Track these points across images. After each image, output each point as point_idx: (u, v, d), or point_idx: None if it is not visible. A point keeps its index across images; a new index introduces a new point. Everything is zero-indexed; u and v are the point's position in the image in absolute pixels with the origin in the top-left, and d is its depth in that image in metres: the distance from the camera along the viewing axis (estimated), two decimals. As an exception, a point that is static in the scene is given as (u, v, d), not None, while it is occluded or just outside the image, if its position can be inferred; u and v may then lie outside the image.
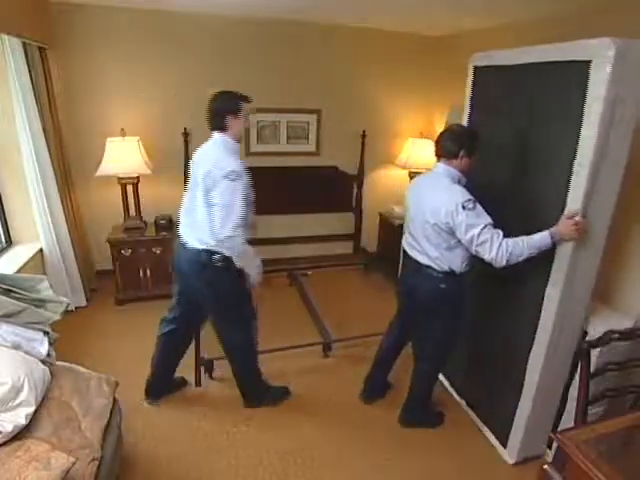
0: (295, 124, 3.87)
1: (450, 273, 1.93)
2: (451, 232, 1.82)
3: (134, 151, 3.21)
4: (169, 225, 3.55)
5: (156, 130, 3.52)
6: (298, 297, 3.64)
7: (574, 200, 1.66)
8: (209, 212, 1.90)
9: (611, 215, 1.72)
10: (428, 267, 1.96)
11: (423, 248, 1.96)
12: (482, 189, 2.11)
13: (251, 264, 2.04)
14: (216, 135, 2.01)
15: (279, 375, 2.67)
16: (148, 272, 3.41)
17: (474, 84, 2.24)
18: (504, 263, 1.72)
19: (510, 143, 1.99)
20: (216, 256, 1.97)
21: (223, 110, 1.96)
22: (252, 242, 3.99)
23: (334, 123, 3.96)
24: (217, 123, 1.98)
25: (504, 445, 2.16)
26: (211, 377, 2.61)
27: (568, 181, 1.66)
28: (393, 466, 2.10)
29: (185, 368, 2.67)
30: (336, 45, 3.74)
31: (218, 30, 3.43)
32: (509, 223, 1.78)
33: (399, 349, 2.38)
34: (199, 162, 2.02)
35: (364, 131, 4.02)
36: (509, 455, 2.13)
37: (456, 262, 1.91)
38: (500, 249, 1.70)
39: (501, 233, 1.73)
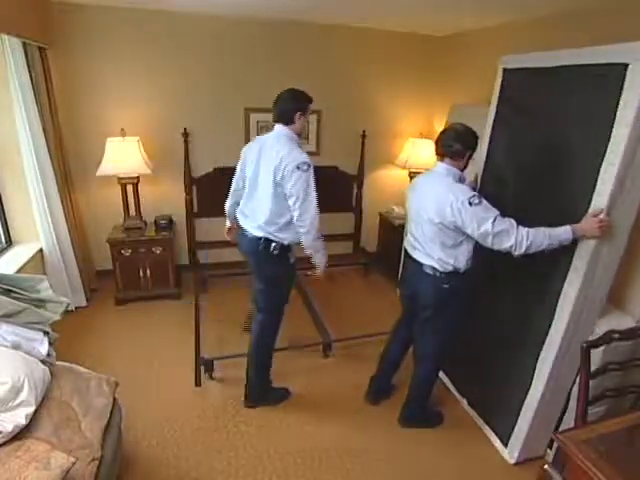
0: (295, 124, 3.86)
1: (453, 272, 1.93)
2: (457, 230, 1.81)
3: (134, 151, 3.21)
4: (169, 225, 3.55)
5: (156, 130, 3.52)
6: (298, 297, 3.64)
7: (600, 198, 1.65)
8: (277, 202, 2.06)
9: (635, 215, 1.72)
10: (431, 267, 1.95)
11: (426, 249, 1.95)
12: (507, 188, 2.14)
13: (322, 252, 2.18)
14: (279, 128, 2.12)
15: (279, 375, 2.67)
16: (148, 272, 3.41)
17: (502, 86, 2.23)
18: (523, 250, 1.70)
19: (537, 143, 1.99)
20: (274, 244, 2.11)
21: (294, 108, 2.11)
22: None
23: (334, 123, 3.96)
24: (285, 118, 2.11)
25: (505, 445, 2.16)
26: (211, 377, 2.61)
27: (595, 180, 1.66)
28: (393, 466, 2.10)
29: (185, 368, 2.68)
30: (336, 45, 3.74)
31: (218, 30, 3.43)
32: (534, 221, 1.76)
33: (405, 350, 2.38)
34: (262, 153, 2.11)
35: (364, 131, 4.02)
36: (510, 455, 2.13)
37: (461, 260, 1.91)
38: (519, 234, 1.69)
39: (514, 221, 1.73)
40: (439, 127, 3.91)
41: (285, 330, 3.13)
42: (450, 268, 1.92)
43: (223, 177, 3.79)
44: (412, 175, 3.99)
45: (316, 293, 3.62)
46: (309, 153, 3.91)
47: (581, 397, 1.63)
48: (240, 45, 3.52)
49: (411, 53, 3.94)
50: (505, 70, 2.22)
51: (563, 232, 1.69)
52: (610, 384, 1.73)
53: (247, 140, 3.78)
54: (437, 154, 1.93)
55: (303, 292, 3.64)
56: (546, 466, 1.45)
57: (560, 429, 2.00)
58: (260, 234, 2.11)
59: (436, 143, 1.93)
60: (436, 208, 1.81)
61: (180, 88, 3.49)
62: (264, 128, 3.79)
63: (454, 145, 1.85)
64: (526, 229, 1.71)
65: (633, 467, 1.29)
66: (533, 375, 1.98)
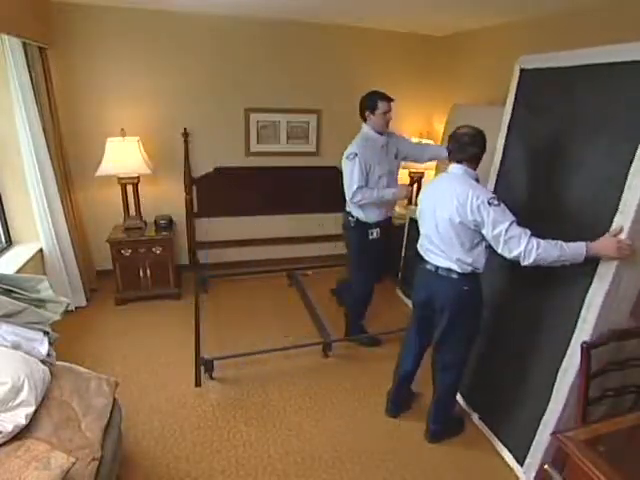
0: (295, 124, 3.87)
1: (471, 274, 1.92)
2: (476, 229, 1.80)
3: (134, 151, 3.21)
4: (169, 225, 3.55)
5: (156, 130, 3.52)
6: (298, 297, 3.64)
7: (622, 216, 1.56)
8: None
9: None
10: (449, 270, 1.93)
11: (444, 251, 1.92)
12: (522, 195, 2.07)
13: (381, 199, 2.64)
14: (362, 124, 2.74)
15: (279, 375, 2.68)
16: (148, 272, 3.41)
17: (519, 87, 2.16)
18: (531, 260, 1.68)
19: (557, 148, 1.91)
20: (350, 218, 2.74)
21: (362, 107, 2.69)
22: (251, 243, 3.94)
23: (334, 123, 3.96)
24: (361, 115, 2.73)
25: (520, 463, 2.03)
26: (211, 377, 2.61)
27: (620, 193, 1.56)
28: (394, 467, 2.09)
29: (185, 368, 2.68)
30: (336, 45, 3.74)
31: (218, 30, 3.43)
32: (549, 234, 1.70)
33: (419, 361, 2.30)
34: None
35: (364, 131, 4.02)
36: (526, 474, 1.98)
37: (480, 260, 1.90)
38: (529, 244, 1.67)
39: (528, 231, 1.70)
40: (439, 127, 3.91)
41: (285, 330, 3.15)
42: (469, 269, 1.90)
43: (223, 177, 3.82)
44: (412, 175, 3.99)
45: (316, 293, 3.62)
46: (309, 153, 3.99)
47: (581, 397, 1.63)
48: (240, 45, 3.52)
49: (411, 53, 3.94)
50: (522, 70, 2.14)
51: (576, 248, 1.64)
52: (610, 384, 1.73)
53: (247, 140, 3.79)
54: (452, 159, 1.92)
55: (303, 292, 3.64)
56: (546, 466, 1.45)
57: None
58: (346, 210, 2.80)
59: (449, 150, 1.92)
60: (457, 207, 1.79)
61: (180, 88, 3.49)
62: (264, 128, 3.80)
63: (470, 149, 1.86)
64: (538, 240, 1.68)
65: (633, 467, 1.28)
66: (552, 388, 1.86)
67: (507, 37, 3.13)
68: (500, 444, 2.19)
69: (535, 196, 2.04)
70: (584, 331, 1.72)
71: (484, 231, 1.77)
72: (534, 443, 1.95)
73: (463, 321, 2.01)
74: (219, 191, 3.86)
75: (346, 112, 3.97)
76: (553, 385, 1.86)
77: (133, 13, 3.20)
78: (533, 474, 1.94)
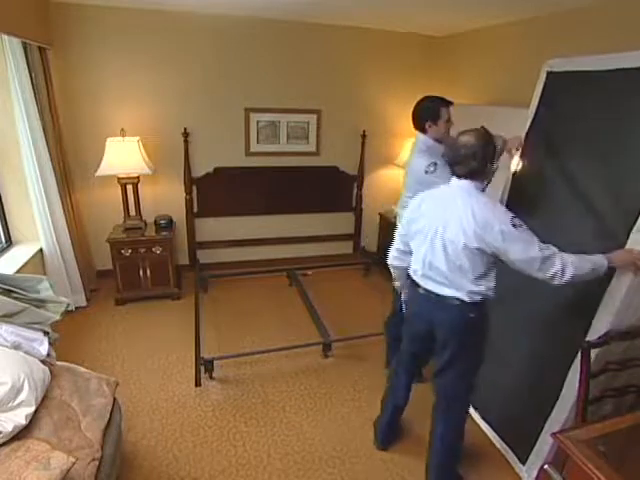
0: (295, 124, 3.87)
1: (480, 302, 1.69)
2: (493, 254, 1.60)
3: (134, 151, 3.21)
4: (169, 225, 3.55)
5: (156, 130, 3.52)
6: (298, 297, 3.64)
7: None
8: None
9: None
10: (456, 299, 1.68)
11: (450, 279, 1.67)
12: (542, 203, 2.02)
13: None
14: (418, 134, 2.33)
15: (279, 375, 2.68)
16: (148, 272, 3.41)
17: (544, 91, 2.11)
18: (567, 277, 1.53)
19: (582, 154, 1.86)
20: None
21: (424, 117, 2.27)
22: (251, 243, 3.95)
23: (334, 123, 3.96)
24: (418, 126, 2.32)
25: (522, 462, 2.01)
26: (211, 377, 2.61)
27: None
28: (394, 467, 2.10)
29: (185, 368, 2.68)
30: (336, 45, 3.74)
31: (218, 30, 3.42)
32: (564, 244, 1.63)
33: (409, 392, 2.11)
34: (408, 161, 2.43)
35: (364, 131, 4.02)
36: (527, 472, 1.95)
37: (492, 287, 1.69)
38: (564, 261, 1.53)
39: (553, 247, 1.58)
40: (439, 127, 3.91)
41: (285, 330, 3.15)
42: (479, 298, 1.67)
43: (223, 177, 3.82)
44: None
45: (316, 293, 3.62)
46: (309, 153, 4.00)
47: (581, 397, 1.63)
48: (240, 45, 3.52)
49: (411, 53, 3.94)
50: (550, 74, 2.08)
51: (600, 259, 1.55)
52: (610, 384, 1.73)
53: (247, 140, 3.79)
54: (452, 173, 1.70)
55: (303, 292, 3.64)
56: (546, 466, 1.45)
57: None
58: None
59: (449, 165, 1.70)
60: (474, 230, 1.56)
61: (180, 88, 3.49)
62: (264, 128, 3.80)
63: (470, 164, 1.62)
64: (568, 254, 1.55)
65: (633, 467, 1.28)
66: (560, 387, 1.84)
67: (507, 37, 3.13)
68: (502, 442, 2.18)
69: (551, 203, 1.98)
70: (596, 330, 1.72)
71: (510, 256, 1.56)
72: (538, 441, 1.94)
73: (468, 353, 1.77)
74: (219, 191, 3.86)
75: (346, 112, 3.99)
76: (561, 383, 1.85)
77: (133, 13, 3.20)
78: (535, 473, 1.92)
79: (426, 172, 2.18)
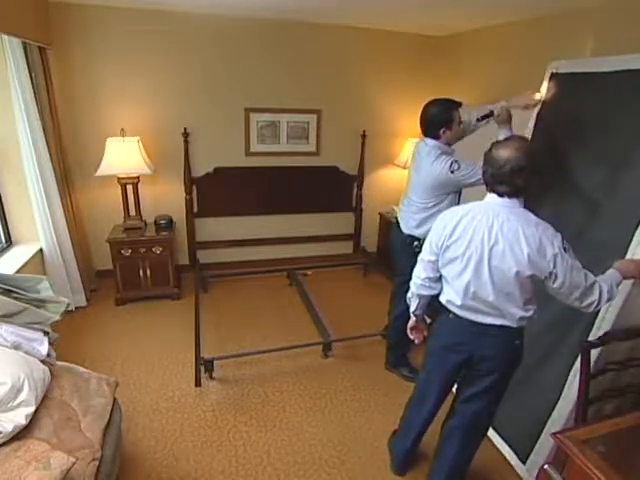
0: (295, 124, 3.87)
1: (523, 326, 1.60)
2: (541, 280, 1.47)
3: (134, 151, 3.21)
4: (169, 225, 3.55)
5: (156, 130, 3.52)
6: (298, 297, 3.64)
7: None
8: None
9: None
10: (501, 327, 1.57)
11: (499, 308, 1.53)
12: (544, 207, 1.97)
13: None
14: (429, 140, 2.25)
15: (279, 375, 2.68)
16: (148, 272, 3.41)
17: (548, 92, 2.12)
18: (602, 304, 1.47)
19: (586, 157, 1.85)
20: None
21: (438, 124, 2.20)
22: (251, 243, 3.94)
23: (334, 123, 3.96)
24: (431, 133, 2.24)
25: (523, 461, 2.01)
26: (211, 377, 2.61)
27: None
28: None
29: (185, 368, 2.68)
30: (336, 45, 3.74)
31: (218, 30, 3.42)
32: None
33: (432, 420, 1.93)
34: (415, 167, 2.36)
35: (364, 131, 4.02)
36: (528, 472, 1.96)
37: (536, 307, 1.58)
38: (600, 290, 1.45)
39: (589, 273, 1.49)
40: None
41: (285, 330, 3.15)
42: (524, 323, 1.58)
43: (223, 177, 3.82)
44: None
45: (316, 293, 3.62)
46: (309, 153, 4.00)
47: (581, 397, 1.62)
48: (240, 45, 3.52)
49: (411, 53, 3.94)
50: (554, 75, 2.09)
51: (617, 276, 1.51)
52: (610, 384, 1.73)
53: (247, 140, 3.79)
54: (490, 190, 1.53)
55: (303, 292, 3.64)
56: (546, 466, 1.45)
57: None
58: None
59: (488, 184, 1.53)
60: (529, 256, 1.41)
61: (180, 88, 3.49)
62: (264, 128, 3.80)
63: (516, 182, 1.45)
64: (602, 280, 1.47)
65: (633, 467, 1.28)
66: (561, 387, 1.84)
67: (508, 37, 3.13)
68: (502, 442, 2.18)
69: (553, 204, 1.97)
70: (598, 331, 1.72)
71: (557, 283, 1.43)
72: (539, 441, 1.94)
73: (508, 378, 1.70)
74: (219, 191, 3.86)
75: (346, 112, 3.99)
76: (562, 384, 1.85)
77: (133, 13, 3.20)
78: (535, 473, 1.91)
79: (452, 172, 2.13)
